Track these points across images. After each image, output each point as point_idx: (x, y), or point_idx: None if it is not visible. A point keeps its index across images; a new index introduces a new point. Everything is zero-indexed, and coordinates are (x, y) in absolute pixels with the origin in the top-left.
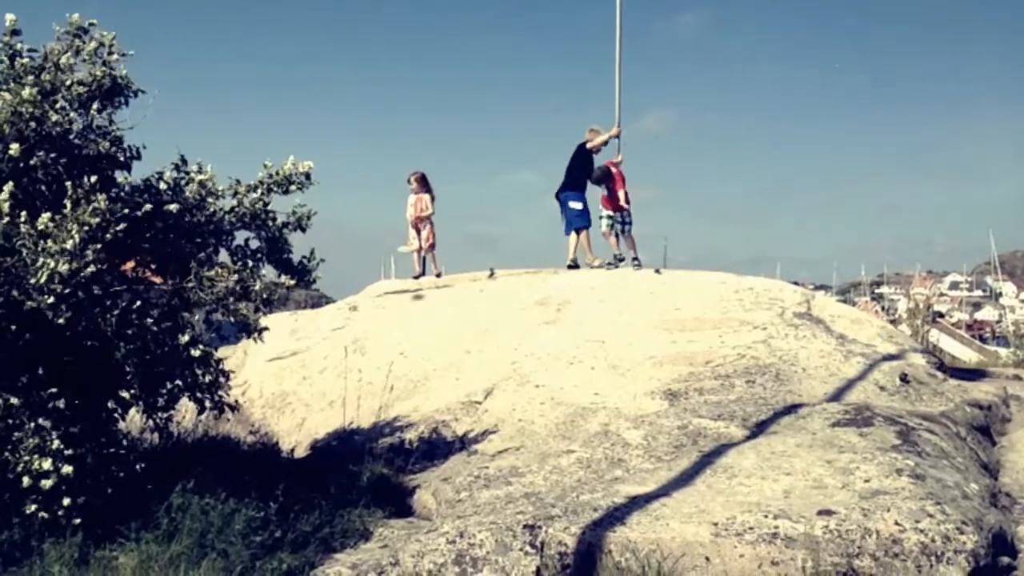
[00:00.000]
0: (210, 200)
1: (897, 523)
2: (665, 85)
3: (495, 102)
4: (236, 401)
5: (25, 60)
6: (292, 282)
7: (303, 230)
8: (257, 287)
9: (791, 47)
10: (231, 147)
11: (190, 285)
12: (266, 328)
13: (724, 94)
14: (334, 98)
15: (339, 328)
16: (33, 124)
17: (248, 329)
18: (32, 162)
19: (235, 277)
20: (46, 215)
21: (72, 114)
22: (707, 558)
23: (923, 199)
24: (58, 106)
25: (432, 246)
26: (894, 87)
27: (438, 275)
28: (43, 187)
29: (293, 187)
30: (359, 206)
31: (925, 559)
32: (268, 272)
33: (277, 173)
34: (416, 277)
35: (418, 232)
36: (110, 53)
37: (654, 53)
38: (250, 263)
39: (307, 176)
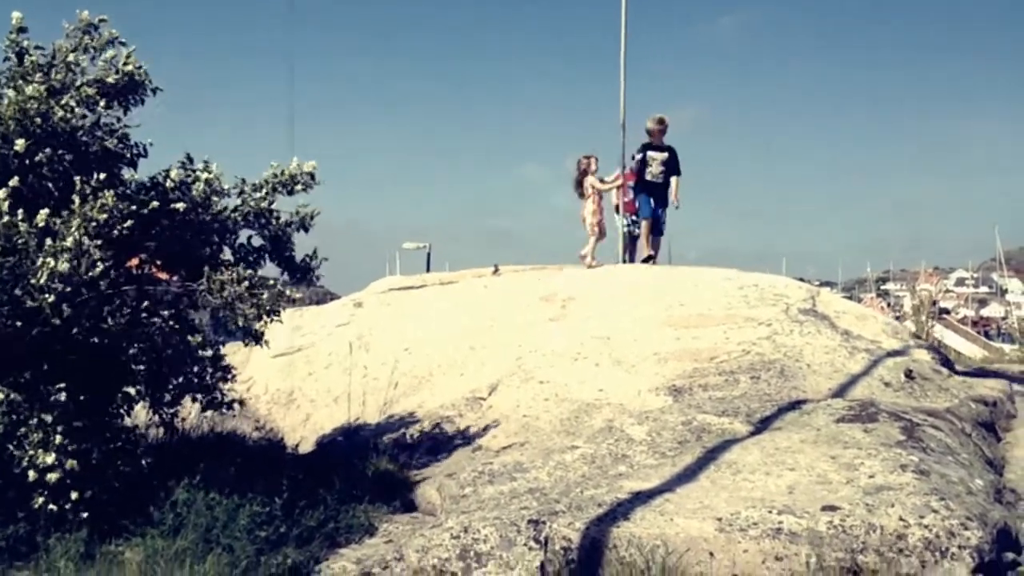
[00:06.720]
0: (215, 199)
1: (901, 519)
2: (694, 84)
3: (499, 94)
4: (240, 400)
5: (34, 57)
6: (299, 295)
7: (306, 230)
8: (265, 296)
9: (813, 49)
10: (232, 144)
11: (200, 288)
12: (267, 340)
13: (744, 94)
14: (339, 91)
15: (344, 324)
16: (39, 120)
17: (252, 335)
18: (38, 158)
19: (245, 283)
20: (44, 211)
21: (80, 110)
22: (711, 553)
23: (929, 195)
24: (63, 103)
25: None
26: (907, 83)
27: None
28: (49, 183)
29: (298, 187)
30: (365, 201)
31: (929, 554)
32: (270, 270)
33: (282, 173)
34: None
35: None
36: (125, 64)
37: (690, 54)
38: (257, 267)
39: (311, 176)
